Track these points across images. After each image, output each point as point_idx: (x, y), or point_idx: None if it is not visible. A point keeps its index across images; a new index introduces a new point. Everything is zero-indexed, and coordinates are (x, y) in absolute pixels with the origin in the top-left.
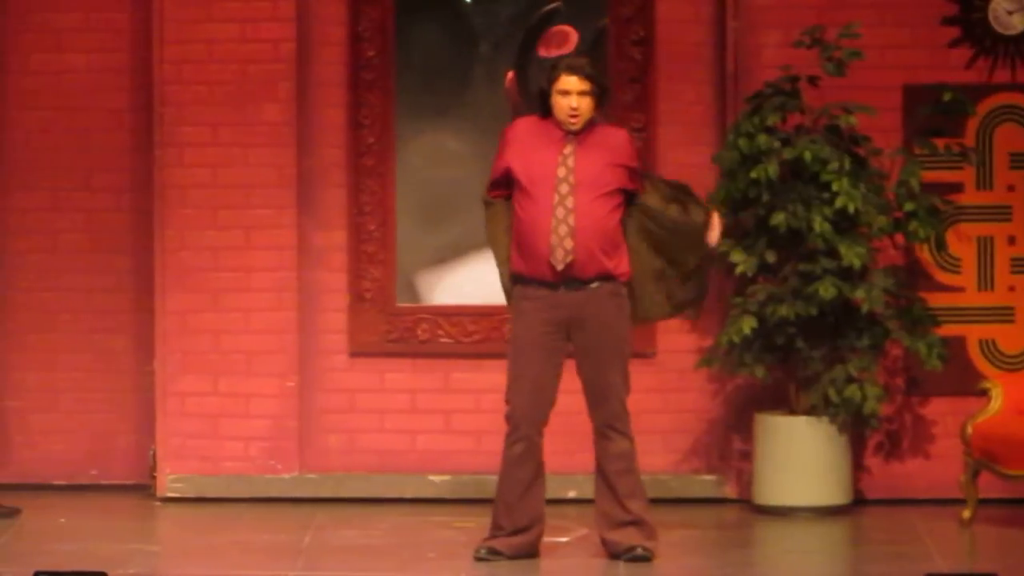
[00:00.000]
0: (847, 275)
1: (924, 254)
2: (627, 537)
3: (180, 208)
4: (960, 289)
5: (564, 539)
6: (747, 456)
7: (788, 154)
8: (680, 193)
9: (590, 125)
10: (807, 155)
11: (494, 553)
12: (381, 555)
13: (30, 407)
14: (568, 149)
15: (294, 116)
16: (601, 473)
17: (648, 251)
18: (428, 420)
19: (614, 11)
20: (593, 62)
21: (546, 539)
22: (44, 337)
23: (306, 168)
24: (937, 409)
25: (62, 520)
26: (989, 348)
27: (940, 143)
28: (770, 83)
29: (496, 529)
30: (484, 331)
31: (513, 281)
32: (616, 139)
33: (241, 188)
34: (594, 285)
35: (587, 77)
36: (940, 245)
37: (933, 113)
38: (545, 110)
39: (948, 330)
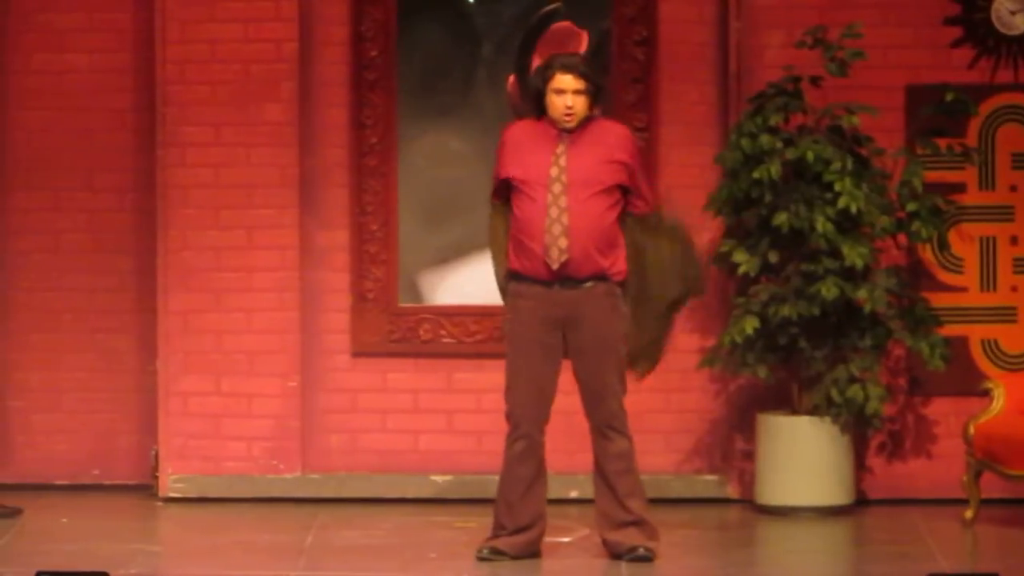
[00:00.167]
0: (849, 275)
1: (926, 254)
2: (628, 537)
3: (182, 208)
4: (962, 289)
5: (566, 539)
6: (749, 456)
7: (791, 154)
8: (684, 249)
9: (586, 122)
10: (809, 155)
11: (496, 553)
12: (383, 555)
13: (32, 407)
14: (560, 148)
15: (296, 116)
16: (600, 473)
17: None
18: (430, 420)
19: (617, 11)
20: (588, 61)
21: (548, 539)
22: (46, 337)
23: (308, 168)
24: (939, 409)
25: (64, 520)
26: (991, 348)
27: (942, 143)
28: (773, 83)
29: (498, 528)
30: (486, 331)
31: (510, 279)
32: (614, 135)
33: (243, 188)
34: (589, 284)
35: (582, 76)
36: (942, 245)
37: (935, 113)
38: (540, 109)
39: (950, 330)
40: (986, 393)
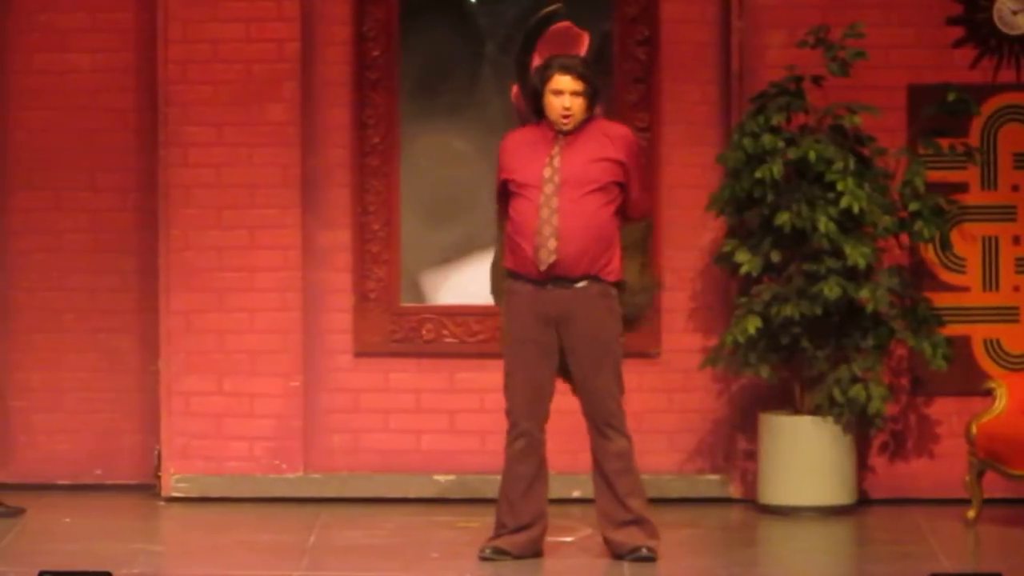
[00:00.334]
0: (852, 275)
1: (929, 254)
2: (630, 537)
3: (184, 208)
4: (965, 289)
5: (568, 539)
6: (752, 456)
7: (793, 154)
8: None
9: (585, 123)
10: (812, 155)
11: (499, 552)
12: (385, 555)
13: (35, 407)
14: (555, 149)
15: (299, 116)
16: (600, 472)
17: None
18: (433, 420)
19: (619, 11)
20: (587, 62)
21: (550, 539)
22: (48, 337)
23: (311, 168)
24: (942, 409)
25: (66, 520)
26: (994, 348)
27: (944, 143)
28: (775, 83)
29: (499, 527)
30: (489, 331)
31: (506, 277)
32: (612, 134)
33: (245, 188)
34: (581, 285)
35: (580, 77)
36: (945, 245)
37: (937, 113)
38: (538, 111)
39: (953, 330)
40: (988, 393)
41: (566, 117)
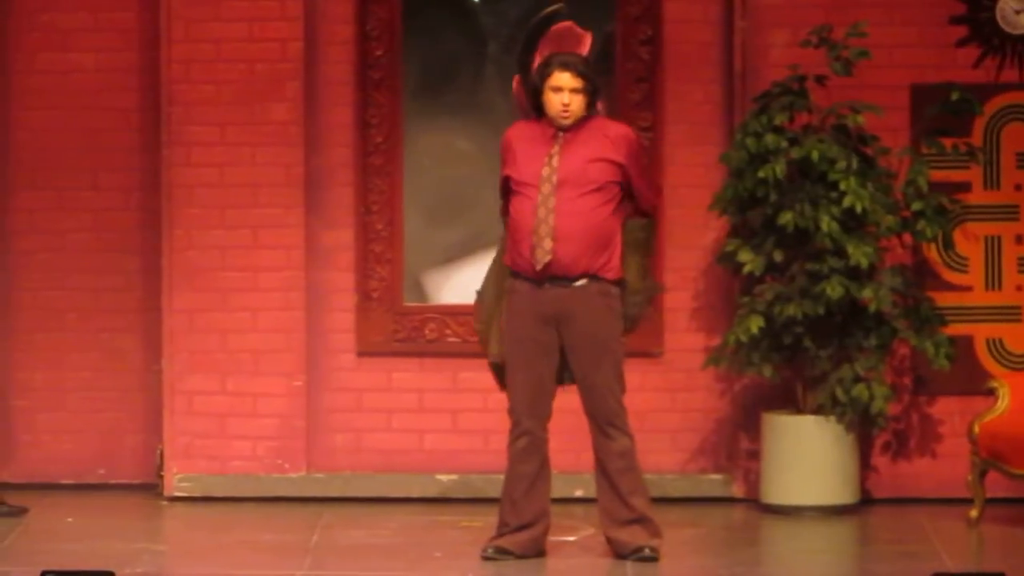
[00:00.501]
0: (855, 274)
1: (932, 253)
2: (633, 536)
3: (187, 207)
4: (967, 288)
5: (571, 538)
6: (754, 455)
7: (796, 153)
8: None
9: (585, 121)
10: (815, 154)
11: (502, 552)
12: (388, 554)
13: (37, 406)
14: (555, 148)
15: (302, 115)
16: (602, 471)
17: None
18: (435, 419)
19: (622, 11)
20: (587, 60)
21: (553, 538)
22: (51, 336)
23: (314, 167)
24: (944, 408)
25: (69, 519)
26: (996, 347)
27: (948, 142)
28: (777, 82)
29: (502, 526)
30: None
31: (507, 275)
32: (612, 133)
33: (249, 187)
34: (580, 283)
35: (580, 74)
36: (948, 244)
37: (941, 112)
38: (538, 108)
39: (955, 329)
40: (991, 392)
41: (565, 113)
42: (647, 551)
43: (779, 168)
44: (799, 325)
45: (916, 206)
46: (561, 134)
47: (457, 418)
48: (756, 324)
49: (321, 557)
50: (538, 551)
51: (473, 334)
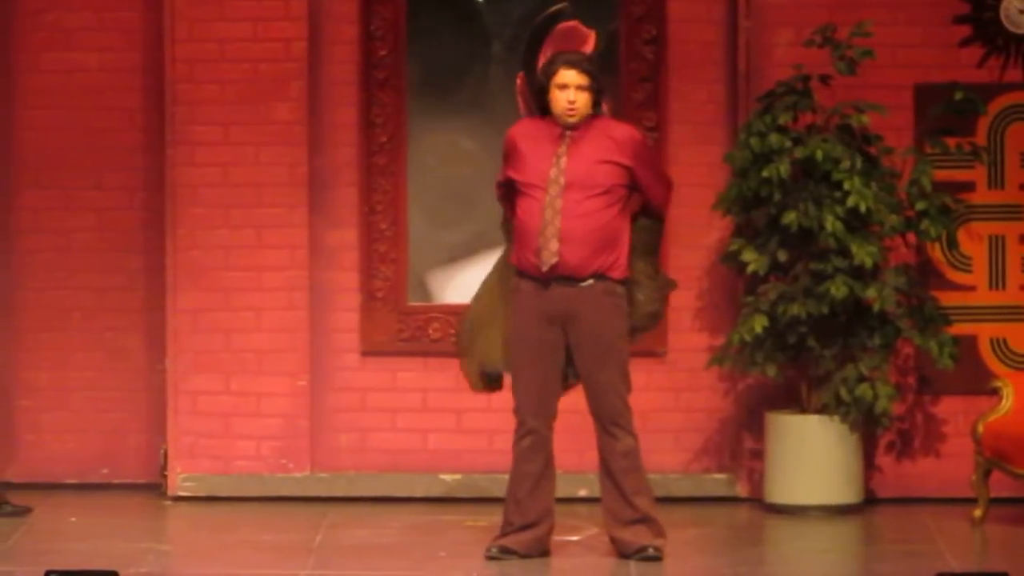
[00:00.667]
0: (859, 274)
1: (936, 253)
2: (637, 536)
3: (192, 207)
4: (971, 288)
5: (575, 538)
6: (758, 455)
7: (800, 153)
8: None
9: (590, 122)
10: (819, 154)
11: (506, 552)
12: (392, 554)
13: (41, 406)
14: (562, 149)
15: (306, 115)
16: (606, 471)
17: None
18: (439, 419)
19: (625, 10)
20: (592, 59)
21: (557, 538)
22: (55, 336)
23: (318, 167)
24: (948, 408)
25: (73, 519)
26: (1000, 347)
27: (951, 142)
28: (782, 82)
29: (506, 525)
30: None
31: (513, 274)
32: (618, 135)
33: (253, 187)
34: (587, 283)
35: (586, 72)
36: (952, 244)
37: (944, 112)
38: (543, 107)
39: (959, 329)
40: (995, 392)
41: (571, 111)
42: (651, 551)
43: (783, 168)
44: (803, 325)
45: (920, 206)
46: (568, 134)
47: (461, 418)
48: (760, 324)
49: (325, 557)
50: (542, 551)
51: None
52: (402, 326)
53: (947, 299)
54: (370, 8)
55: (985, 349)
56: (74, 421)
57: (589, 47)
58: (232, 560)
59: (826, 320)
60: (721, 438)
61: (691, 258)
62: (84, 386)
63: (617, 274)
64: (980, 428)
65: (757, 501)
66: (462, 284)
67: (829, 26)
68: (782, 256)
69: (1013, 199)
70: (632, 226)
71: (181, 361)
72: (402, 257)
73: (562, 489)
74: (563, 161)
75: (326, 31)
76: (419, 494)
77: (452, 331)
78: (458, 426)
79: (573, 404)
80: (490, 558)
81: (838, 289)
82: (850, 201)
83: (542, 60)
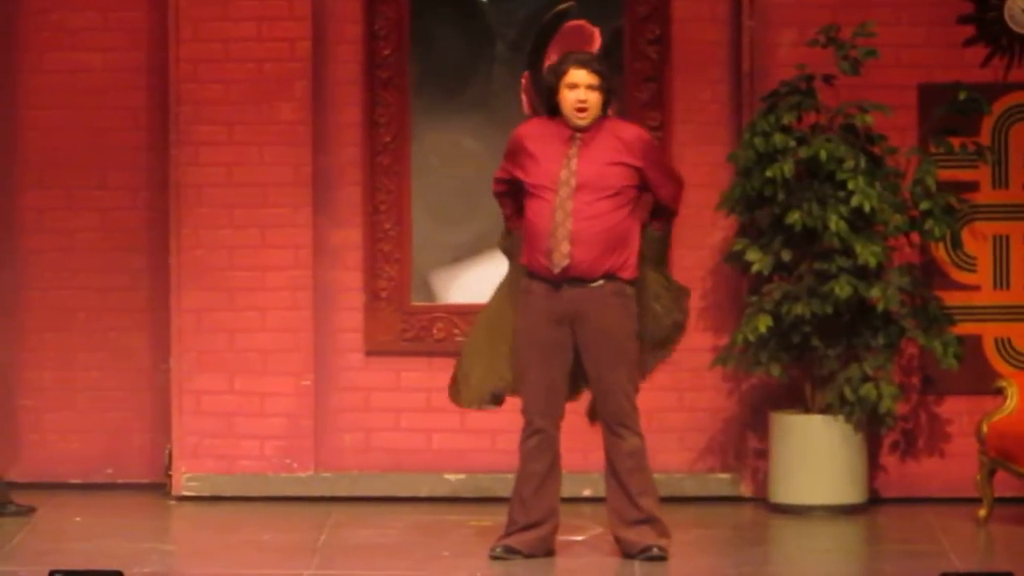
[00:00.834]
0: (863, 274)
1: (940, 253)
2: (641, 536)
3: (196, 207)
4: (976, 288)
5: (579, 538)
6: (762, 455)
7: (804, 153)
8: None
9: (599, 122)
10: (823, 154)
11: (510, 551)
12: (396, 554)
13: (45, 406)
14: (573, 150)
15: (310, 115)
16: (612, 471)
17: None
18: (443, 419)
19: (630, 10)
20: (602, 59)
21: (561, 537)
22: (59, 336)
23: (322, 167)
24: (953, 408)
25: (77, 519)
26: (1005, 347)
27: (956, 142)
28: (785, 82)
29: (511, 524)
30: None
31: (522, 274)
32: (627, 136)
33: (257, 187)
34: (597, 283)
35: (596, 72)
36: (956, 244)
37: (949, 112)
38: (552, 107)
39: (964, 329)
40: (999, 392)
41: (581, 110)
42: (655, 550)
43: (787, 167)
44: (807, 324)
45: (924, 205)
46: (578, 135)
47: (465, 417)
48: (764, 323)
49: (329, 556)
50: (546, 550)
51: None
52: (406, 326)
53: (951, 299)
54: (374, 8)
55: (989, 349)
56: (78, 421)
57: (595, 46)
58: (236, 560)
59: (830, 320)
60: (725, 438)
61: (695, 258)
62: (88, 386)
63: (627, 274)
64: (984, 428)
65: (761, 501)
66: (466, 284)
67: (833, 26)
68: (786, 256)
69: (1017, 199)
70: (641, 234)
71: (185, 361)
72: (406, 257)
73: (566, 489)
74: (574, 163)
75: (330, 31)
76: (423, 494)
77: (456, 331)
78: (462, 426)
79: (577, 404)
80: (494, 558)
81: (842, 289)
82: (854, 201)
83: (548, 59)
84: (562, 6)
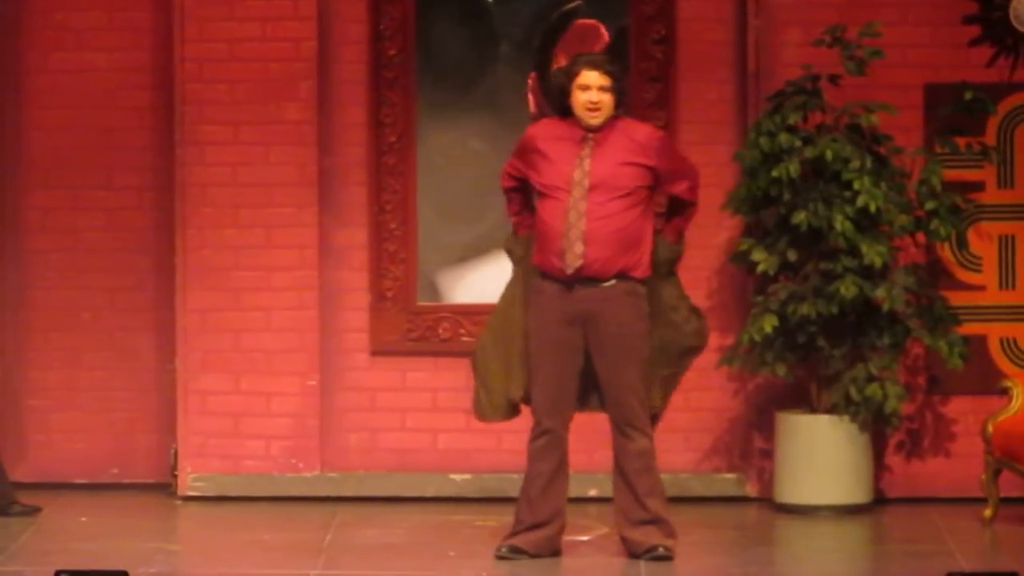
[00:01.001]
0: (868, 274)
1: (945, 253)
2: (647, 536)
3: (201, 207)
4: (981, 288)
5: (585, 538)
6: (768, 455)
7: (809, 153)
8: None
9: (611, 122)
10: (828, 154)
11: (516, 551)
12: (402, 554)
13: (51, 406)
14: (586, 151)
15: (315, 115)
16: (620, 471)
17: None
18: (449, 419)
19: (636, 10)
20: (613, 60)
21: (567, 538)
22: (65, 336)
23: (327, 167)
24: (958, 408)
25: (83, 519)
26: (1010, 347)
27: (961, 142)
28: (791, 82)
29: (517, 524)
30: None
31: (533, 274)
32: (640, 135)
33: (262, 187)
34: (610, 283)
35: (608, 73)
36: (961, 243)
37: (954, 112)
38: (564, 108)
39: (969, 329)
40: (1005, 392)
41: (594, 111)
42: (661, 550)
43: (793, 167)
44: (813, 324)
45: (930, 205)
46: (590, 136)
47: (471, 417)
48: (770, 323)
49: (335, 556)
50: (552, 550)
51: None
52: (412, 326)
53: (957, 299)
54: (379, 8)
55: (995, 349)
56: (84, 421)
57: (602, 46)
58: (242, 560)
59: (836, 320)
60: (731, 438)
61: (700, 258)
62: (93, 386)
63: (639, 273)
64: (990, 428)
65: (767, 501)
66: (472, 284)
67: (838, 26)
68: (792, 256)
69: (1023, 199)
70: (654, 242)
71: (191, 361)
72: (411, 257)
73: (573, 489)
74: (587, 163)
75: (335, 31)
76: (429, 494)
77: (462, 331)
78: (468, 426)
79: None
80: (500, 558)
81: (848, 289)
82: (860, 201)
83: (555, 59)
84: (569, 6)
